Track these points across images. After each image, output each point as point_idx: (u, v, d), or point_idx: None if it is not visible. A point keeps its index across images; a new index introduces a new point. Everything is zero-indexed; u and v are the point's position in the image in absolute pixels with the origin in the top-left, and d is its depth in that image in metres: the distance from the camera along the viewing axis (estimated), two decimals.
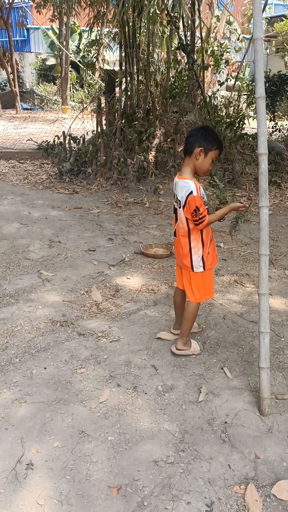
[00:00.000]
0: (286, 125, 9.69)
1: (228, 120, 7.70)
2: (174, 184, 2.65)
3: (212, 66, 9.04)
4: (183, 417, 2.25)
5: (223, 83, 8.13)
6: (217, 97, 8.58)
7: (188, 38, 8.03)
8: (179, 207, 2.56)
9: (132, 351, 2.78)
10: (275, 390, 2.46)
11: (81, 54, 20.65)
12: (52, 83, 20.78)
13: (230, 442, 2.11)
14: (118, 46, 7.45)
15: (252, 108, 12.75)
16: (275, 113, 10.59)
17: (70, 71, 19.51)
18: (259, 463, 2.01)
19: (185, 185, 2.50)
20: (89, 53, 19.80)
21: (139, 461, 1.98)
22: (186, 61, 7.75)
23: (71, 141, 7.42)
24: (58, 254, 4.30)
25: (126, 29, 7.18)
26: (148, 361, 2.69)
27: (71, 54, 19.64)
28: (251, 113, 13.24)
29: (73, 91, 19.31)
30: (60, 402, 2.32)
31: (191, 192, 2.47)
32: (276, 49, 18.13)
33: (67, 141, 7.43)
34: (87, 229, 5.07)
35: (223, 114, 7.96)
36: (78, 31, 20.27)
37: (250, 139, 7.87)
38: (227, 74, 19.12)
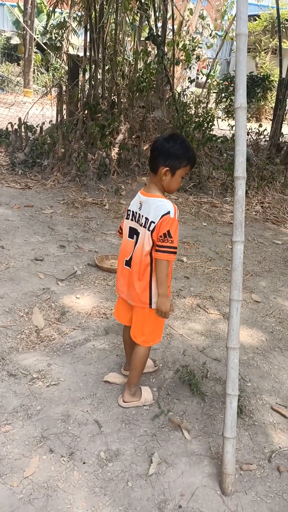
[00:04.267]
0: (254, 128, 9.41)
1: (197, 120, 7.29)
2: (137, 201, 2.15)
3: (183, 61, 8.59)
4: (129, 499, 1.81)
5: (193, 80, 7.71)
6: (186, 94, 8.14)
7: (159, 29, 7.54)
8: (147, 229, 2.07)
9: (72, 400, 2.31)
10: (239, 457, 2.07)
11: (48, 35, 19.62)
12: (16, 64, 19.65)
13: None
14: (83, 30, 6.84)
15: (221, 108, 12.49)
16: None
17: (36, 52, 18.49)
18: None
19: (160, 203, 2.02)
20: (57, 35, 18.83)
21: None
22: (155, 53, 7.26)
23: (27, 130, 6.76)
24: None
25: (92, 12, 6.58)
26: (91, 415, 2.22)
27: (37, 34, 18.60)
28: (220, 113, 12.98)
29: (37, 73, 18.31)
30: None
31: (168, 213, 2.00)
32: (248, 49, 17.96)
33: (23, 129, 6.77)
34: (36, 233, 4.51)
35: (192, 113, 7.55)
36: (46, 11, 19.22)
37: (219, 141, 7.51)
38: (198, 70, 18.79)
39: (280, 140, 9.29)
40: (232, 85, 11.30)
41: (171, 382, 2.54)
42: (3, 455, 1.93)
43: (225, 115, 11.51)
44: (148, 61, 7.24)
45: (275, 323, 3.40)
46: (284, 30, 16.16)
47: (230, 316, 1.94)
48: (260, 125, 9.45)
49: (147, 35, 7.08)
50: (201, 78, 10.62)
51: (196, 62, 13.06)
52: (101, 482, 1.86)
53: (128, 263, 2.18)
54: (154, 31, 7.08)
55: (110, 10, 6.08)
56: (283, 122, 9.47)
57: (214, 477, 1.95)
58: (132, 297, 2.17)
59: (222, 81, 11.98)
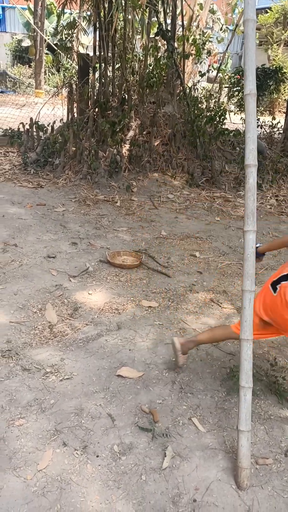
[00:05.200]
0: (268, 121, 9.28)
1: (208, 114, 7.22)
2: None
3: (193, 56, 8.51)
4: (142, 492, 1.80)
5: (204, 74, 7.64)
6: (197, 89, 8.07)
7: (169, 24, 7.49)
8: None
9: (85, 394, 2.30)
10: (255, 451, 2.04)
11: (59, 36, 19.68)
12: (27, 66, 19.78)
13: None
14: (93, 29, 6.83)
15: (233, 102, 12.36)
16: (257, 108, 10.23)
17: (47, 53, 18.57)
18: None
19: None
20: (67, 36, 18.90)
21: None
22: (166, 48, 7.21)
23: (39, 129, 6.80)
24: (11, 261, 3.76)
25: (101, 10, 6.57)
26: (104, 408, 2.21)
27: (47, 36, 18.69)
28: (232, 107, 12.84)
29: (48, 74, 18.40)
30: None
31: None
32: (260, 42, 17.71)
33: (34, 129, 6.80)
34: (49, 231, 4.53)
35: (204, 107, 7.48)
36: (56, 12, 19.29)
37: (231, 135, 7.42)
38: (209, 65, 18.64)
39: None
40: (238, 76, 11.16)
41: (184, 376, 2.52)
42: (17, 448, 1.94)
43: (237, 109, 11.37)
44: (158, 57, 7.20)
45: None
46: None
47: (243, 307, 1.90)
48: (274, 118, 9.32)
49: (156, 31, 7.04)
50: (212, 72, 10.48)
51: (207, 57, 12.96)
52: (115, 475, 1.85)
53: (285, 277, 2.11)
54: (164, 26, 7.03)
55: (118, 7, 6.06)
56: None
57: (229, 472, 1.92)
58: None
59: (234, 75, 11.85)
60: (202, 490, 1.82)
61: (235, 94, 12.00)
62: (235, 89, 12.03)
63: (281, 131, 9.14)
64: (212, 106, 7.72)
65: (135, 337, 2.84)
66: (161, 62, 7.06)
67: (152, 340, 2.84)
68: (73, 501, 1.73)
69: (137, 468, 1.90)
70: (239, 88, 11.19)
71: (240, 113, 11.61)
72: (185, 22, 9.90)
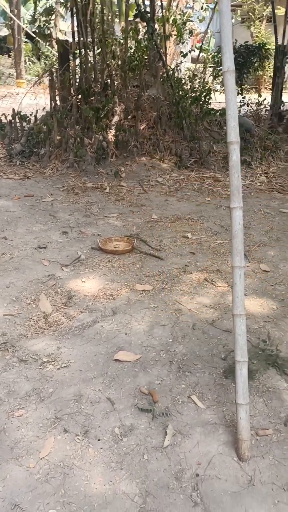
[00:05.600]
0: (254, 98, 9.20)
1: (193, 94, 7.14)
2: None
3: (175, 36, 8.38)
4: (145, 471, 1.81)
5: (186, 54, 7.55)
6: (180, 70, 7.96)
7: (148, 6, 7.35)
8: None
9: (84, 380, 2.30)
10: (254, 423, 2.06)
11: (37, 24, 19.31)
12: (7, 56, 19.42)
13: (203, 504, 1.69)
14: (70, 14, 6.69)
15: (218, 81, 12.21)
16: (243, 86, 10.11)
17: (26, 42, 18.23)
18: None
19: None
20: (45, 23, 18.53)
21: None
22: (145, 30, 7.09)
23: (22, 120, 6.70)
24: (2, 254, 3.73)
25: None
26: (103, 393, 2.22)
27: (25, 24, 18.31)
28: (218, 87, 12.70)
29: (29, 63, 18.08)
30: None
31: None
32: (242, 19, 17.46)
33: (17, 119, 6.70)
34: (38, 221, 4.49)
35: (188, 88, 7.39)
36: None
37: (218, 114, 7.36)
38: (192, 45, 18.37)
39: (281, 108, 9.09)
40: None
41: (182, 356, 2.52)
42: (18, 438, 1.94)
43: (223, 88, 11.23)
44: (138, 39, 7.08)
45: (286, 290, 3.35)
46: None
47: (234, 283, 1.90)
48: (260, 95, 9.24)
49: (135, 13, 6.91)
50: (195, 52, 10.33)
51: (189, 37, 12.76)
52: (117, 457, 1.87)
53: None
54: (142, 7, 6.91)
55: None
56: (283, 91, 9.24)
57: (230, 445, 1.93)
58: None
59: (217, 54, 11.69)
60: (204, 465, 1.84)
61: (220, 73, 11.86)
62: (219, 68, 11.88)
63: (268, 108, 9.09)
64: (196, 86, 7.64)
65: (131, 321, 2.84)
66: (142, 45, 6.95)
67: (148, 322, 2.85)
68: (76, 484, 1.74)
69: (139, 448, 1.91)
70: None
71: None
72: (164, 3, 9.73)
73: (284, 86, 9.31)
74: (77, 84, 6.69)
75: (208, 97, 7.18)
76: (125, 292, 3.21)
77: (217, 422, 2.06)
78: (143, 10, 6.84)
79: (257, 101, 8.97)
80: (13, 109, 6.74)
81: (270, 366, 2.46)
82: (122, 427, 2.01)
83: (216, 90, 10.40)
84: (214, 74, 11.84)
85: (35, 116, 6.78)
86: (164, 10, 8.53)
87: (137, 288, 3.26)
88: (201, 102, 7.04)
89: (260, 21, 17.23)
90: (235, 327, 1.87)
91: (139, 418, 2.07)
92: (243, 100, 8.80)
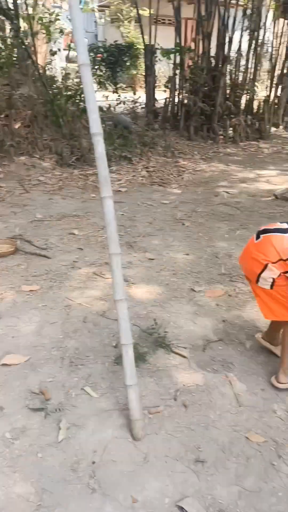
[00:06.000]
0: (130, 97, 9.48)
1: (68, 93, 7.10)
2: None
3: (44, 35, 8.24)
4: (40, 469, 1.77)
5: (55, 52, 7.46)
6: (53, 68, 7.87)
7: (11, 3, 7.11)
8: None
9: None
10: (147, 402, 2.13)
11: None
12: None
13: (101, 489, 1.70)
14: None
15: (94, 78, 12.32)
16: (117, 85, 10.35)
17: None
18: (137, 508, 1.64)
19: None
20: None
21: None
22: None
23: None
24: None
25: None
26: None
27: None
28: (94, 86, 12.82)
29: None
30: None
31: None
32: (111, 20, 17.80)
33: None
34: None
35: (62, 86, 7.33)
36: None
37: None
38: (66, 45, 18.23)
39: (155, 106, 9.49)
40: (99, 55, 11.17)
41: (74, 350, 2.51)
42: None
43: (98, 86, 11.37)
44: (4, 37, 6.82)
45: (170, 275, 3.52)
46: None
47: (112, 270, 1.94)
48: (134, 93, 9.55)
49: None
50: (70, 51, 10.29)
51: (61, 36, 12.65)
52: (9, 461, 1.79)
53: None
54: (4, 5, 6.65)
55: None
56: (156, 88, 9.65)
57: (125, 428, 1.98)
58: None
59: (90, 53, 11.78)
60: (100, 452, 1.85)
61: (97, 73, 11.98)
62: (95, 67, 12.01)
63: (144, 106, 9.43)
64: (70, 85, 7.61)
65: (18, 324, 2.74)
66: (7, 42, 6.70)
67: (36, 323, 2.77)
68: None
69: (32, 448, 1.85)
70: (97, 65, 11.18)
71: (100, 89, 11.62)
72: (30, 1, 9.50)
73: (156, 83, 9.71)
74: None
75: (83, 95, 7.19)
76: (10, 295, 3.09)
77: (111, 408, 2.09)
78: (5, 7, 6.59)
79: (132, 99, 9.25)
80: None
81: (159, 347, 2.57)
82: (13, 430, 1.94)
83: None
84: None
85: None
86: (29, 8, 8.32)
87: (23, 289, 3.15)
88: (77, 100, 7.03)
89: (128, 21, 17.74)
90: (118, 312, 1.91)
91: (31, 419, 2.01)
92: (119, 98, 9.00)
